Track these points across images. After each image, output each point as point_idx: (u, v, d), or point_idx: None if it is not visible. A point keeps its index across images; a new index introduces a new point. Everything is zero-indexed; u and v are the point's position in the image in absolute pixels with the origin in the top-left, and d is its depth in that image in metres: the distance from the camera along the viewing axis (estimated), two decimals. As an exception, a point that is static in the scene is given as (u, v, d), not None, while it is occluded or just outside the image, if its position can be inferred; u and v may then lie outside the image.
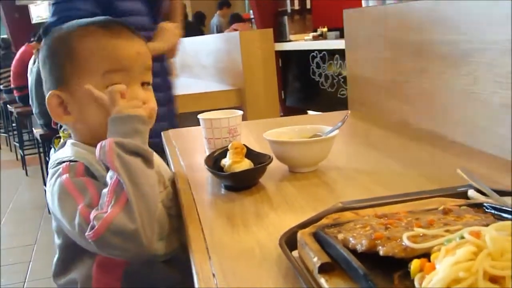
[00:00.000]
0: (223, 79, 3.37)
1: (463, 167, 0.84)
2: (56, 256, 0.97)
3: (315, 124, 1.19)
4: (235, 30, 5.84)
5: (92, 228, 0.76)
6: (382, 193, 0.81)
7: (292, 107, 4.99)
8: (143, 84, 0.95)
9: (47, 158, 3.91)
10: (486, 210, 0.67)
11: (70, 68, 0.91)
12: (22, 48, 5.53)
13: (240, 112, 1.24)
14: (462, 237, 0.50)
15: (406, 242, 0.53)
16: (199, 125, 1.25)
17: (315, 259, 0.57)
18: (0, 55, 6.77)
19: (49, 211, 3.76)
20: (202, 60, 3.82)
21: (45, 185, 3.97)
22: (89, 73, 0.90)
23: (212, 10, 8.07)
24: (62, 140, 2.67)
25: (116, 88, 0.89)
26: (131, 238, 0.76)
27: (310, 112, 4.38)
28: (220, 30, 7.24)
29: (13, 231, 3.90)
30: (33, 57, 4.31)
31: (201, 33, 6.80)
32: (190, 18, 7.94)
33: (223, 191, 1.00)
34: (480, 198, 0.72)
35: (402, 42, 1.44)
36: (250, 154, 1.05)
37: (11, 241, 3.66)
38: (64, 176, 0.86)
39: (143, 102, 0.92)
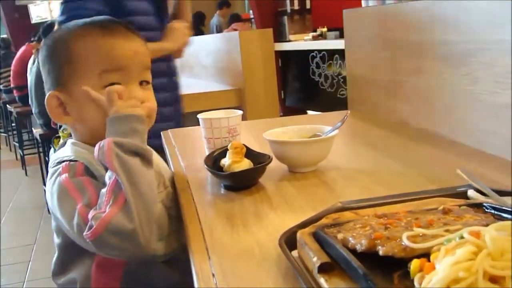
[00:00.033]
0: (223, 79, 3.37)
1: (463, 167, 0.84)
2: (56, 255, 0.97)
3: (315, 124, 1.19)
4: (235, 29, 5.84)
5: (90, 228, 0.76)
6: (381, 193, 0.81)
7: (291, 107, 4.98)
8: (142, 83, 0.95)
9: (47, 158, 3.91)
10: (486, 210, 0.67)
11: (67, 69, 0.92)
12: (23, 48, 5.53)
13: (240, 112, 1.24)
14: (462, 237, 0.50)
15: (405, 242, 0.53)
16: (198, 125, 1.25)
17: (315, 259, 0.57)
18: (0, 54, 6.77)
19: (48, 211, 3.76)
20: (202, 60, 3.82)
21: (44, 185, 3.97)
22: (86, 74, 0.90)
23: (212, 10, 8.07)
24: (61, 140, 2.68)
25: (113, 88, 0.89)
26: (129, 238, 0.76)
27: (309, 112, 4.38)
28: (220, 30, 7.25)
29: (12, 231, 3.90)
30: (32, 56, 4.32)
31: (201, 33, 6.80)
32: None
33: (222, 191, 1.00)
34: (480, 198, 0.72)
35: (402, 42, 1.44)
36: (249, 154, 1.05)
37: (11, 241, 3.66)
38: (64, 176, 0.86)
39: (142, 101, 0.92)
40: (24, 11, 9.85)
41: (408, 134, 1.36)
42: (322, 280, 0.55)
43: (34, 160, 4.96)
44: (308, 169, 1.07)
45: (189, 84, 3.59)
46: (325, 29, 4.94)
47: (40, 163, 4.36)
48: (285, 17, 5.90)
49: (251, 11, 7.89)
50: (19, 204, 4.55)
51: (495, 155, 1.06)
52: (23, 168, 5.62)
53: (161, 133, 1.58)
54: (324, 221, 0.67)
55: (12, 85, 5.71)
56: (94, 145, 0.85)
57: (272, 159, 1.03)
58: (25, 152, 5.67)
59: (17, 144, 6.00)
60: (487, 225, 0.53)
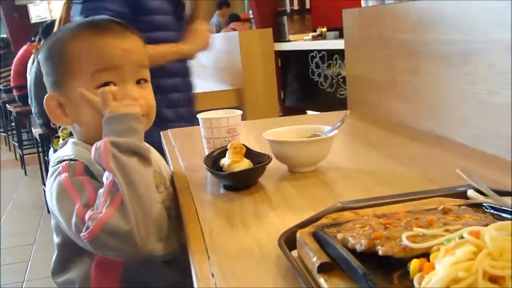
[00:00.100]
0: (222, 79, 3.37)
1: (463, 167, 0.84)
2: (55, 254, 0.97)
3: (314, 124, 1.19)
4: (233, 29, 5.85)
5: (87, 228, 0.76)
6: (381, 193, 0.81)
7: (291, 107, 4.99)
8: (139, 81, 0.95)
9: (46, 158, 3.91)
10: (486, 210, 0.67)
11: (63, 70, 0.92)
12: (24, 48, 5.53)
13: (240, 112, 1.24)
14: (462, 237, 0.50)
15: (405, 241, 0.53)
16: (198, 124, 1.25)
17: (314, 259, 0.57)
18: (0, 54, 6.77)
19: (48, 210, 3.76)
20: (201, 60, 3.81)
21: (44, 184, 3.97)
22: (80, 74, 0.90)
23: (211, 10, 8.07)
24: (61, 140, 2.68)
25: (106, 89, 0.88)
26: (126, 239, 0.75)
27: (309, 112, 4.38)
28: (219, 30, 7.24)
29: (12, 230, 3.90)
30: (32, 56, 4.31)
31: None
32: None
33: (222, 190, 1.00)
34: (480, 198, 0.72)
35: (401, 42, 1.44)
36: (249, 153, 1.05)
37: (11, 240, 3.65)
38: (63, 175, 0.86)
39: (140, 100, 0.92)
40: (23, 11, 9.84)
41: (408, 134, 1.36)
42: (321, 280, 0.55)
43: (34, 160, 4.95)
44: (307, 169, 1.07)
45: (189, 84, 3.58)
46: (324, 29, 4.94)
47: (39, 162, 4.35)
48: (285, 17, 5.90)
49: (250, 11, 7.90)
50: (18, 203, 4.55)
51: (495, 155, 1.06)
52: (22, 168, 5.62)
53: (161, 133, 1.58)
54: (323, 221, 0.67)
55: (12, 85, 5.71)
56: (94, 145, 0.85)
57: (271, 159, 1.03)
58: (25, 151, 5.67)
59: (16, 144, 6.00)
60: (486, 225, 0.53)
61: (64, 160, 0.89)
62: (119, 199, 0.77)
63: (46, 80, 0.96)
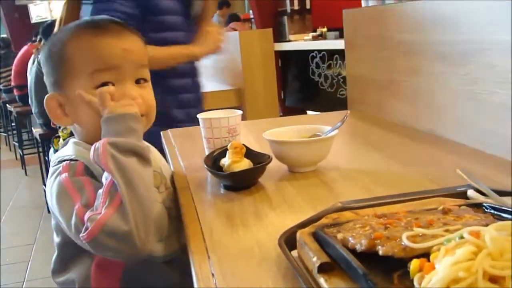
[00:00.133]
0: (222, 79, 3.37)
1: (463, 167, 0.84)
2: (55, 254, 0.97)
3: (315, 124, 1.19)
4: (233, 29, 5.84)
5: (86, 229, 0.75)
6: (381, 193, 0.81)
7: (291, 107, 4.99)
8: (139, 81, 0.94)
9: (47, 158, 3.91)
10: (486, 210, 0.67)
11: (62, 71, 0.92)
12: (25, 48, 5.53)
13: (240, 112, 1.24)
14: (462, 237, 0.50)
15: (405, 241, 0.53)
16: (198, 124, 1.25)
17: (315, 259, 0.57)
18: (0, 54, 6.77)
19: (48, 210, 3.76)
20: (202, 60, 3.81)
21: (44, 184, 3.97)
22: (78, 75, 0.90)
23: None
24: (61, 140, 2.68)
25: (104, 89, 0.88)
26: (125, 240, 0.75)
27: (309, 112, 4.38)
28: (219, 30, 7.23)
29: (12, 230, 3.90)
30: (32, 56, 4.31)
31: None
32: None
33: (222, 190, 1.00)
34: (480, 198, 0.72)
35: (401, 42, 1.44)
36: (249, 153, 1.05)
37: (11, 240, 3.65)
38: (64, 175, 0.86)
39: (140, 99, 0.92)
40: (24, 11, 9.84)
41: (408, 134, 1.36)
42: (321, 280, 0.55)
43: (34, 160, 4.95)
44: (308, 169, 1.07)
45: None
46: (325, 29, 4.94)
47: (39, 162, 4.35)
48: (285, 17, 5.90)
49: (251, 11, 7.89)
50: (18, 203, 4.55)
51: (495, 155, 1.06)
52: (22, 168, 5.62)
53: (161, 133, 1.58)
54: (324, 221, 0.67)
55: (12, 84, 5.72)
56: (94, 145, 0.85)
57: (271, 159, 1.03)
58: (25, 151, 5.67)
59: (16, 144, 6.00)
60: (486, 225, 0.53)
61: (64, 160, 0.89)
62: (118, 200, 0.77)
63: (47, 80, 0.96)
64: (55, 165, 0.90)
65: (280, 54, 4.91)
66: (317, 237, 0.62)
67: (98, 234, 0.75)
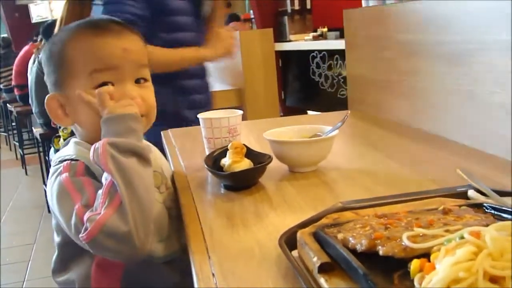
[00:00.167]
0: (223, 79, 3.37)
1: (463, 167, 0.84)
2: (55, 254, 0.97)
3: (315, 124, 1.19)
4: (234, 29, 5.83)
5: (86, 230, 0.75)
6: (382, 193, 0.81)
7: (292, 107, 4.98)
8: (139, 81, 0.94)
9: (47, 157, 3.90)
10: (486, 210, 0.67)
11: (62, 71, 0.92)
12: (26, 47, 5.53)
13: (240, 112, 1.24)
14: (462, 237, 0.50)
15: (406, 242, 0.53)
16: (199, 124, 1.25)
17: (315, 259, 0.57)
18: (0, 54, 6.77)
19: (49, 210, 3.76)
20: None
21: (44, 184, 3.97)
22: (78, 75, 0.90)
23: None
24: (62, 139, 2.67)
25: (103, 90, 0.88)
26: (124, 240, 0.75)
27: (310, 112, 4.37)
28: (220, 30, 7.22)
29: (12, 230, 3.90)
30: (33, 56, 4.31)
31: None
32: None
33: (222, 190, 1.00)
34: (480, 198, 0.72)
35: (402, 42, 1.44)
36: (250, 153, 1.05)
37: (11, 240, 3.66)
38: (64, 175, 0.86)
39: (140, 99, 0.92)
40: (24, 11, 9.84)
41: (408, 134, 1.36)
42: (322, 280, 0.55)
43: (34, 160, 4.95)
44: (308, 169, 1.07)
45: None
46: (325, 29, 4.93)
47: (40, 162, 4.35)
48: (286, 17, 5.90)
49: (251, 11, 7.89)
50: (19, 203, 4.55)
51: (495, 155, 1.07)
52: (23, 168, 5.63)
53: (161, 132, 1.58)
54: (324, 221, 0.67)
55: (13, 84, 5.72)
56: (95, 145, 0.85)
57: (272, 159, 1.03)
58: (25, 151, 5.67)
59: (17, 144, 6.00)
60: (487, 225, 0.53)
61: (65, 160, 0.89)
62: (117, 200, 0.76)
63: (47, 80, 0.96)
64: (56, 165, 0.90)
65: (281, 54, 4.91)
66: (318, 237, 0.62)
67: (97, 235, 0.75)
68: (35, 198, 4.48)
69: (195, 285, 0.65)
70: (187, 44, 1.75)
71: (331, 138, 1.06)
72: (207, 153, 1.18)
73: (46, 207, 4.04)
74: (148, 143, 1.03)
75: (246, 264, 0.68)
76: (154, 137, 0.88)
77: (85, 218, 0.76)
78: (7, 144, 7.23)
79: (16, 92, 5.67)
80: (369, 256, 0.55)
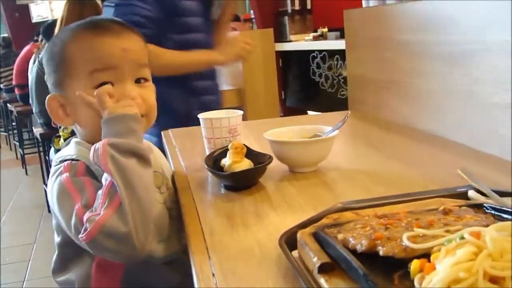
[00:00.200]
0: (223, 79, 3.37)
1: (463, 168, 0.84)
2: (56, 253, 0.97)
3: (315, 124, 1.19)
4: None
5: (85, 230, 0.75)
6: (382, 193, 0.81)
7: (292, 107, 4.98)
8: (140, 80, 0.94)
9: (47, 157, 3.90)
10: (486, 210, 0.67)
11: (62, 72, 0.92)
12: (27, 47, 5.53)
13: (240, 112, 1.24)
14: (462, 238, 0.50)
15: (406, 242, 0.53)
16: (199, 124, 1.25)
17: (315, 259, 0.57)
18: (0, 54, 6.77)
19: (49, 210, 3.76)
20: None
21: (45, 184, 3.97)
22: (77, 75, 0.90)
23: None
24: (62, 139, 2.67)
25: (102, 90, 0.88)
26: (124, 241, 0.75)
27: (310, 112, 4.37)
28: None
29: (12, 230, 3.90)
30: (33, 56, 4.31)
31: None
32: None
33: (223, 190, 1.00)
34: (480, 199, 0.72)
35: (402, 42, 1.44)
36: (250, 154, 1.05)
37: (11, 240, 3.66)
38: (65, 175, 0.85)
39: (140, 99, 0.91)
40: (25, 10, 9.84)
41: (409, 134, 1.36)
42: (322, 280, 0.55)
43: (35, 159, 4.95)
44: (308, 169, 1.07)
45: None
46: (325, 30, 4.92)
47: (40, 162, 4.35)
48: (286, 17, 5.89)
49: (251, 11, 7.89)
50: (19, 203, 4.56)
51: (495, 156, 1.07)
52: (23, 167, 5.63)
53: (162, 132, 1.58)
54: (324, 221, 0.67)
55: (14, 83, 5.72)
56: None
57: (272, 159, 1.03)
58: (26, 151, 5.67)
59: (17, 143, 6.00)
60: (487, 225, 0.53)
61: (66, 160, 0.89)
62: (117, 201, 0.76)
63: (48, 81, 0.96)
64: (56, 165, 0.90)
65: (281, 54, 4.91)
66: (318, 238, 0.62)
67: (97, 235, 0.74)
68: (35, 198, 4.48)
69: (195, 285, 0.65)
70: (198, 45, 1.76)
71: (331, 139, 1.06)
72: (207, 153, 1.18)
73: (46, 207, 4.04)
74: (149, 143, 1.03)
75: (246, 264, 0.68)
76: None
77: (84, 218, 0.76)
78: (7, 144, 7.23)
79: (16, 91, 5.67)
80: (369, 257, 0.55)
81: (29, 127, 6.17)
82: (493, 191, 0.73)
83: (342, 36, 4.01)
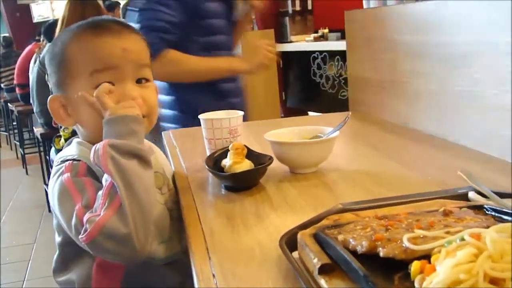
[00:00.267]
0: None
1: (464, 169, 0.84)
2: (56, 253, 0.97)
3: (316, 125, 1.19)
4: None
5: (85, 231, 0.75)
6: (382, 194, 0.81)
7: (293, 108, 4.98)
8: (141, 80, 0.94)
9: (48, 157, 3.91)
10: (487, 212, 0.67)
11: (63, 73, 0.93)
12: (29, 47, 5.54)
13: (241, 113, 1.24)
14: (463, 239, 0.50)
15: (406, 243, 0.53)
16: (200, 125, 1.25)
17: (315, 260, 0.57)
18: (1, 53, 6.77)
19: (49, 209, 3.76)
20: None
21: (45, 184, 3.97)
22: (78, 76, 0.90)
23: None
24: (62, 139, 2.67)
25: (101, 89, 0.88)
26: (124, 242, 0.75)
27: (310, 113, 4.37)
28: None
29: (13, 229, 3.91)
30: (34, 56, 4.31)
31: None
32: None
33: (223, 191, 1.00)
34: (481, 200, 0.72)
35: (402, 43, 1.44)
36: (250, 154, 1.05)
37: (11, 239, 3.66)
38: (66, 175, 0.85)
39: (141, 100, 0.91)
40: (25, 10, 9.85)
41: (409, 135, 1.36)
42: (322, 281, 0.55)
43: (35, 159, 4.96)
44: (309, 170, 1.07)
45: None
46: (326, 30, 4.93)
47: (40, 162, 4.35)
48: (287, 18, 5.89)
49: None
50: (19, 203, 4.56)
51: (495, 157, 1.07)
52: (23, 167, 5.63)
53: (162, 133, 1.58)
54: (324, 222, 0.67)
55: (15, 83, 5.73)
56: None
57: (273, 160, 1.03)
58: (26, 151, 5.67)
59: (18, 143, 6.01)
60: (487, 227, 0.53)
61: (67, 160, 0.89)
62: (117, 202, 0.76)
63: (50, 81, 0.97)
64: (57, 165, 0.90)
65: (282, 55, 4.91)
66: (318, 239, 0.62)
67: (97, 236, 0.74)
68: (36, 197, 4.48)
69: (196, 285, 0.65)
70: (222, 47, 1.77)
71: (332, 139, 1.06)
72: (208, 154, 1.18)
73: (47, 207, 4.05)
74: (150, 144, 1.03)
75: (247, 265, 0.68)
76: None
77: (84, 219, 0.76)
78: (7, 144, 7.24)
79: (17, 91, 5.68)
80: (369, 258, 0.55)
81: (30, 126, 6.17)
82: (494, 192, 0.73)
83: (343, 37, 4.02)
